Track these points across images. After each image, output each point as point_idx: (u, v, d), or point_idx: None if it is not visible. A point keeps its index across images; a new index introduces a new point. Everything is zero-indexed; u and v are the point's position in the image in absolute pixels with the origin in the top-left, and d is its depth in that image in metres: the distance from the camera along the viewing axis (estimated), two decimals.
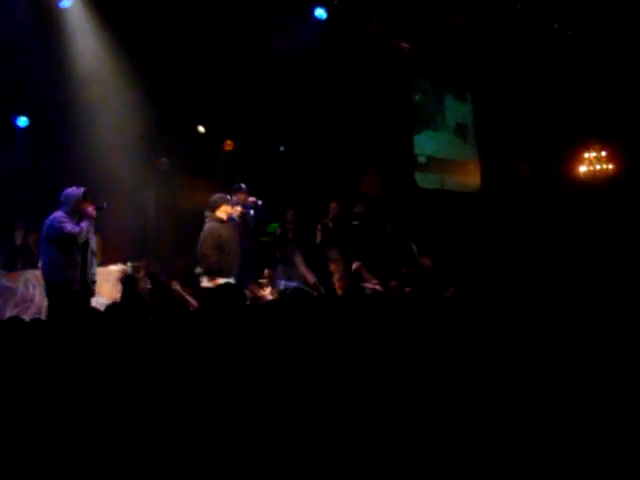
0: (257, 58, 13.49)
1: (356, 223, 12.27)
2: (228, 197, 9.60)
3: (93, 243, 8.68)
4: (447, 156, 15.88)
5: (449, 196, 15.29)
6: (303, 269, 9.89)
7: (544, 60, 14.35)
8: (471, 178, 16.24)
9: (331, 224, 12.33)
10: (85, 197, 8.41)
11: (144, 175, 13.94)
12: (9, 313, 9.67)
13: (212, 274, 8.79)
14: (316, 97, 14.49)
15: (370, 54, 13.84)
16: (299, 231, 12.57)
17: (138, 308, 5.24)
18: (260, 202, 10.71)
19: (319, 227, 12.35)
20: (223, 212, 9.24)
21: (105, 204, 8.73)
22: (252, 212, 10.60)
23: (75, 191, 8.43)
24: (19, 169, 12.18)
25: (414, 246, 10.27)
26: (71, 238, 8.19)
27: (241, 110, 14.59)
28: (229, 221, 9.30)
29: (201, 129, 14.80)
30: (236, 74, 13.98)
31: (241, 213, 9.87)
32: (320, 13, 12.78)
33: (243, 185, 10.68)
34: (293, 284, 9.59)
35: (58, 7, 11.21)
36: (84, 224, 8.32)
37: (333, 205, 12.43)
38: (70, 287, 8.23)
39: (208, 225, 9.18)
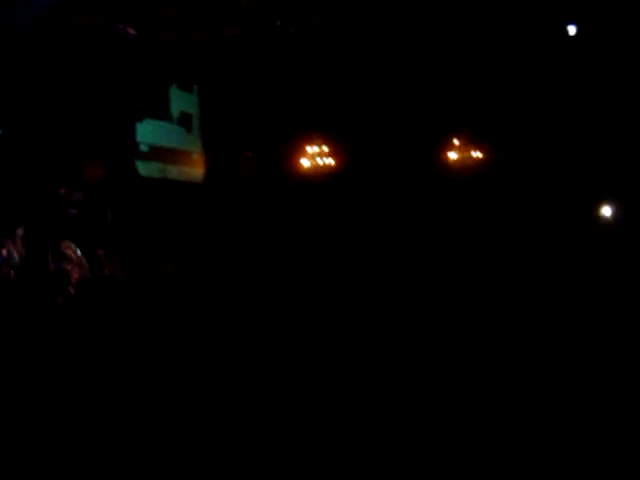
0: None
1: (74, 211, 12.45)
2: None
3: None
4: (170, 145, 16.25)
5: (172, 185, 15.69)
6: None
7: (268, 55, 15.11)
8: (195, 168, 16.69)
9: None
10: None
11: None
12: None
13: None
14: (40, 80, 14.34)
15: (95, 37, 13.99)
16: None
17: None
18: None
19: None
20: None
21: None
22: None
23: None
24: None
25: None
26: None
27: None
28: None
29: None
30: None
31: None
32: None
33: None
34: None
35: None
36: None
37: (62, 191, 12.53)
38: None
39: None
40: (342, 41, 14.70)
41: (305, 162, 16.71)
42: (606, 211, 14.02)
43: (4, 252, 10.06)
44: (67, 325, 5.16)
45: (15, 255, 10.05)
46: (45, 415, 4.27)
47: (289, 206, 15.36)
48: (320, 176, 16.45)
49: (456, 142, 16.44)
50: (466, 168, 16.12)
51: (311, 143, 16.64)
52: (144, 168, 14.99)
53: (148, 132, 15.44)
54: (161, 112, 16.10)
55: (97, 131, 14.03)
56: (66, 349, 4.91)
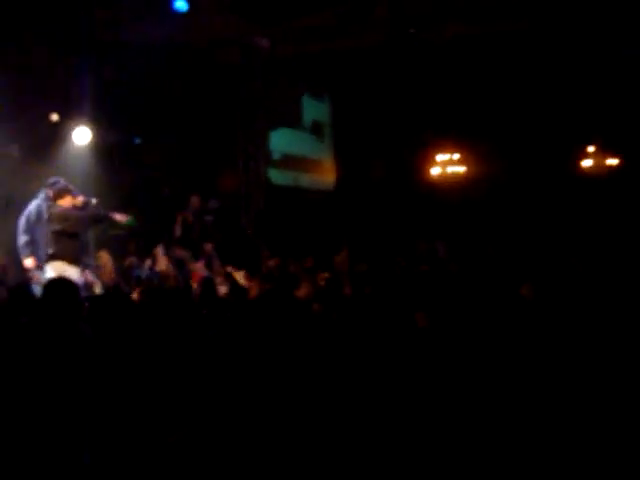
0: (116, 47, 13.65)
1: (210, 218, 12.75)
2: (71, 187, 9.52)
3: None
4: (302, 154, 16.56)
5: (303, 193, 15.97)
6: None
7: (401, 63, 15.18)
8: (326, 176, 16.94)
9: (190, 218, 12.66)
10: None
11: None
12: None
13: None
14: (174, 91, 14.74)
15: (229, 50, 14.35)
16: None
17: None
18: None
19: (179, 220, 12.62)
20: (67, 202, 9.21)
21: None
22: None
23: None
24: None
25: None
26: None
27: (97, 100, 14.66)
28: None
29: (54, 117, 14.82)
30: (95, 63, 14.07)
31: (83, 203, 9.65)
32: (180, 5, 13.06)
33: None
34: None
35: None
36: None
37: (194, 199, 12.76)
38: None
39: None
40: (474, 48, 14.66)
41: (436, 170, 16.71)
42: None
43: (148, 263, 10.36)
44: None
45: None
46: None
47: (419, 214, 15.41)
48: (451, 184, 16.44)
49: (590, 149, 16.23)
50: (601, 175, 15.88)
51: (442, 151, 16.64)
52: (277, 176, 15.30)
53: (281, 141, 15.76)
54: (294, 121, 16.41)
55: (232, 140, 14.38)
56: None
